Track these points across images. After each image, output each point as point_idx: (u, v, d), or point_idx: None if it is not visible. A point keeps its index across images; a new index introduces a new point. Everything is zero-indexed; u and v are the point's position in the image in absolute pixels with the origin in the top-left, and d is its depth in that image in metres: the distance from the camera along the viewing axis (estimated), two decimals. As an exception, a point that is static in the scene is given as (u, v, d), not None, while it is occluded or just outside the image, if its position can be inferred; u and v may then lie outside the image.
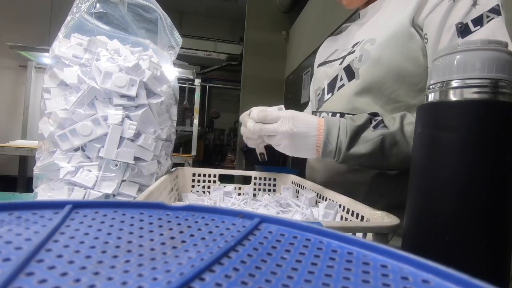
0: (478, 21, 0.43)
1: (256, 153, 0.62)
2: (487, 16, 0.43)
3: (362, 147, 0.45)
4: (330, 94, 0.60)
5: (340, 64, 0.59)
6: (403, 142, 0.44)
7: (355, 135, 0.45)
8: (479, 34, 0.43)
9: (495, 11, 0.43)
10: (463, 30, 0.44)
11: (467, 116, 0.24)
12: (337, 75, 0.59)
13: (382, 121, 0.47)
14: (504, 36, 0.42)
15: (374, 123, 0.46)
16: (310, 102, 0.81)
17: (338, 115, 0.56)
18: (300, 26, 2.97)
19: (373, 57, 0.52)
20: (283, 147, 0.48)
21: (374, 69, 0.52)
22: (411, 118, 0.46)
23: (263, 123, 0.49)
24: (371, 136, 0.45)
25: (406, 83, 0.51)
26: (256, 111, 0.50)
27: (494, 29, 0.42)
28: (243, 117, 0.56)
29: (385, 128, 0.45)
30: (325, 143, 0.46)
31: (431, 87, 0.28)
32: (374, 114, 0.48)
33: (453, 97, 0.26)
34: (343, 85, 0.57)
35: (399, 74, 0.51)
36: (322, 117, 0.48)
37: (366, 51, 0.53)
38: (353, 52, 0.56)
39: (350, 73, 0.56)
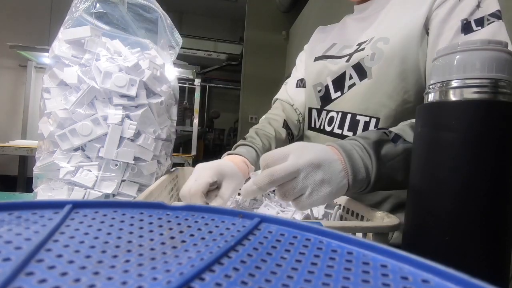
0: (480, 22, 0.44)
1: None
2: (488, 19, 0.43)
3: (390, 165, 0.39)
4: (339, 92, 0.58)
5: (347, 61, 0.57)
6: None
7: (377, 152, 0.38)
8: (479, 34, 0.43)
9: (496, 16, 0.44)
10: (466, 27, 0.44)
11: (467, 116, 0.24)
12: (344, 73, 0.57)
13: (398, 135, 0.41)
14: (504, 38, 0.43)
15: (391, 135, 0.41)
16: (285, 86, 0.77)
17: (349, 115, 0.55)
18: (300, 26, 2.97)
19: (387, 56, 0.51)
20: (311, 191, 0.34)
21: (389, 69, 0.51)
22: None
23: (272, 172, 0.34)
24: (394, 152, 0.40)
25: (419, 84, 0.50)
26: (260, 177, 0.35)
27: (494, 31, 0.43)
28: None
29: (406, 143, 0.40)
30: (351, 165, 0.37)
31: (431, 87, 0.28)
32: (382, 129, 0.43)
33: (453, 97, 0.26)
34: (354, 84, 0.56)
35: (413, 74, 0.50)
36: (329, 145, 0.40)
37: (379, 50, 0.52)
38: (363, 49, 0.55)
39: (360, 71, 0.54)
